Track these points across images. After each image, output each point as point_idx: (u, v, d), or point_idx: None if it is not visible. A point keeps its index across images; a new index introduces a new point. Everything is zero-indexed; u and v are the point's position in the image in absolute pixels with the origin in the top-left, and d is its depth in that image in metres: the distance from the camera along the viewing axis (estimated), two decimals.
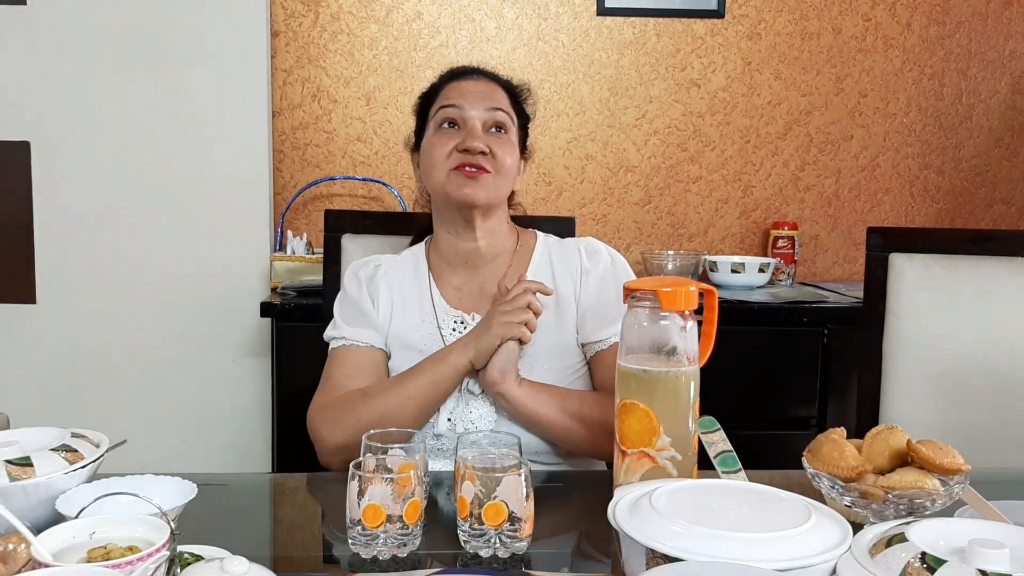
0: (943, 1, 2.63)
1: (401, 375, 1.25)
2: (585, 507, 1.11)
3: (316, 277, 2.01)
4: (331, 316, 1.35)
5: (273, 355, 2.12)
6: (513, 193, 1.36)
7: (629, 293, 1.00)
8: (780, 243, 2.54)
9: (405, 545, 0.87)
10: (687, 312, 0.98)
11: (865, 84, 2.64)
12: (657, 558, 0.71)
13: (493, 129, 1.28)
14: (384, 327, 1.31)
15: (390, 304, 1.32)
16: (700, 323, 1.02)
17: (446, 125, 1.28)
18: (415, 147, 1.37)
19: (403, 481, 0.86)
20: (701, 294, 1.02)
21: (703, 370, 1.00)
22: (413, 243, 1.43)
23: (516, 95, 1.35)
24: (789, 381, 2.18)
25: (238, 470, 2.27)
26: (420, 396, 1.21)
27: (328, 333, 1.34)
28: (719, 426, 1.01)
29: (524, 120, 1.37)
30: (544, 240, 1.38)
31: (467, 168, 1.24)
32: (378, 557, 0.87)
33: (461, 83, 1.32)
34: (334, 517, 1.02)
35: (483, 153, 1.24)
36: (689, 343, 0.98)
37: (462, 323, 1.30)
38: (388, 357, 1.32)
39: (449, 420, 1.24)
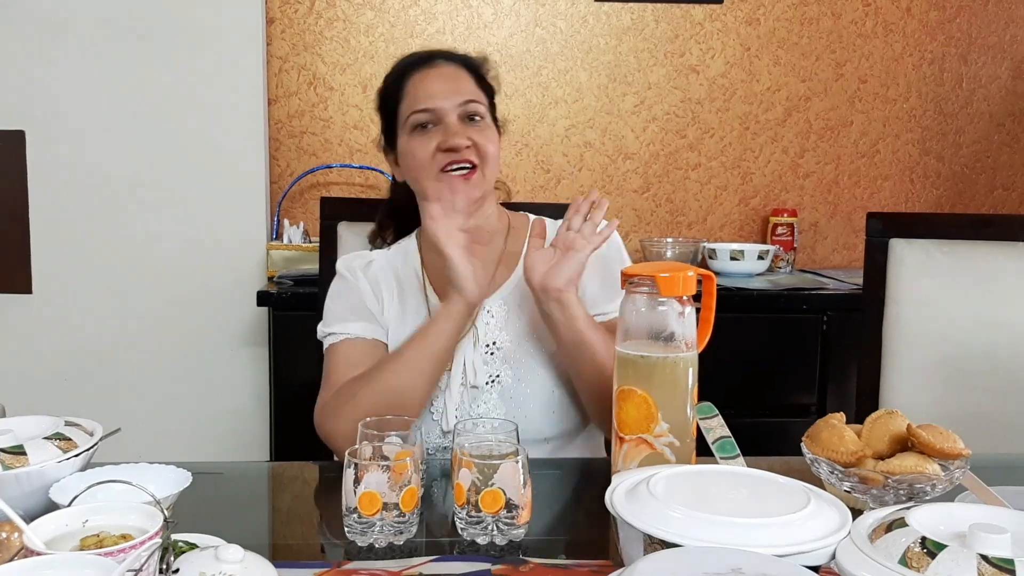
0: None
1: (396, 350, 1.20)
2: (582, 494, 1.10)
3: (313, 266, 2.00)
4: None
5: (270, 344, 2.12)
6: None
7: (627, 279, 0.99)
8: (779, 230, 2.53)
9: (402, 533, 0.87)
10: (685, 298, 0.97)
11: (865, 70, 2.63)
12: (655, 544, 0.70)
13: (469, 119, 1.24)
14: (385, 321, 1.29)
15: (392, 303, 1.30)
16: (699, 309, 1.02)
17: (421, 127, 1.24)
18: (388, 146, 1.32)
19: (399, 468, 0.86)
20: (700, 280, 1.01)
21: (702, 357, 0.99)
22: (380, 233, 1.41)
23: (478, 71, 1.31)
24: (789, 368, 2.18)
25: (235, 459, 2.26)
26: (421, 361, 1.16)
27: (323, 330, 1.29)
28: (717, 412, 1.00)
29: (490, 94, 1.32)
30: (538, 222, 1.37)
31: (454, 167, 1.21)
32: (375, 545, 0.86)
33: (423, 77, 1.25)
34: (330, 505, 1.01)
35: (467, 147, 1.22)
36: (687, 329, 0.97)
37: None
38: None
39: (456, 416, 1.22)
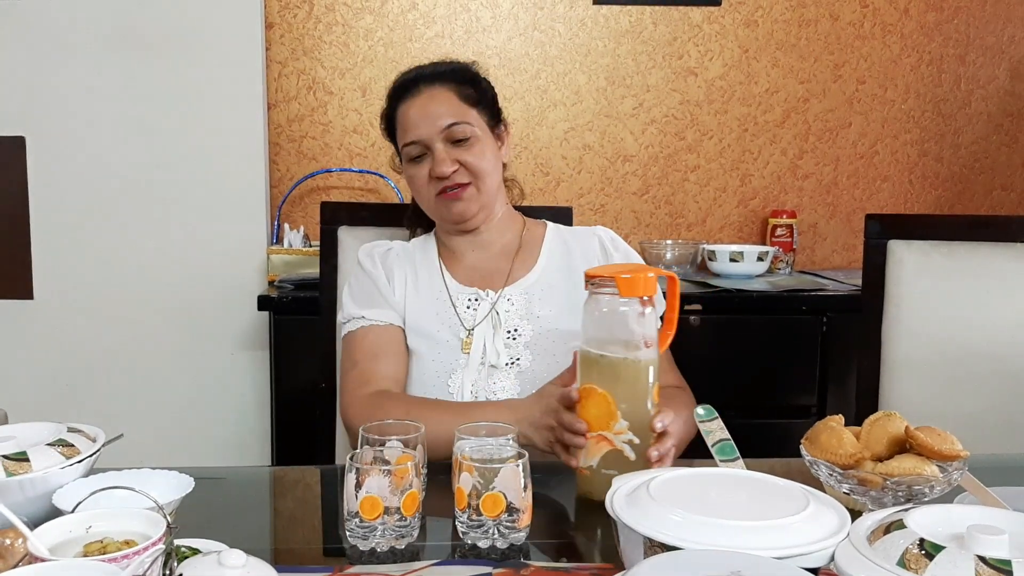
0: None
1: (448, 408, 1.21)
2: (583, 497, 1.10)
3: (313, 270, 2.00)
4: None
5: (271, 349, 2.12)
6: (504, 167, 1.38)
7: (589, 280, 1.01)
8: (779, 231, 2.53)
9: (403, 537, 0.87)
10: (646, 298, 0.99)
11: (863, 71, 2.63)
12: (655, 547, 0.70)
13: (456, 141, 1.29)
14: (400, 306, 1.34)
15: (404, 284, 1.35)
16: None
17: (415, 158, 1.31)
18: (401, 164, 1.40)
19: (400, 473, 0.86)
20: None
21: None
22: (410, 235, 1.47)
23: (465, 81, 1.33)
24: (788, 369, 2.18)
25: (237, 464, 2.27)
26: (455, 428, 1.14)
27: (342, 316, 1.35)
28: (717, 414, 1.01)
29: (487, 96, 1.35)
30: (555, 227, 1.43)
31: (447, 191, 1.29)
32: (376, 549, 0.87)
33: (409, 107, 1.31)
34: (332, 510, 1.02)
35: (455, 171, 1.29)
36: (648, 329, 0.99)
37: (476, 299, 1.33)
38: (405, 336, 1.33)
39: (472, 392, 1.27)
